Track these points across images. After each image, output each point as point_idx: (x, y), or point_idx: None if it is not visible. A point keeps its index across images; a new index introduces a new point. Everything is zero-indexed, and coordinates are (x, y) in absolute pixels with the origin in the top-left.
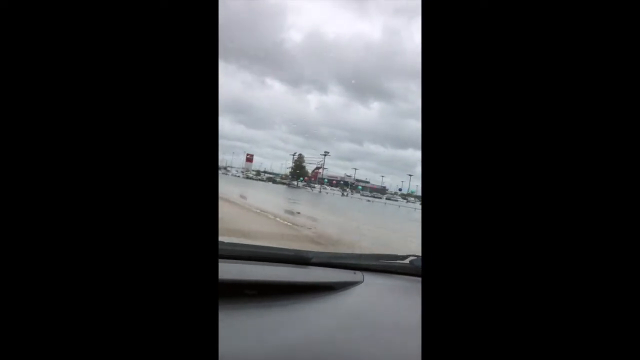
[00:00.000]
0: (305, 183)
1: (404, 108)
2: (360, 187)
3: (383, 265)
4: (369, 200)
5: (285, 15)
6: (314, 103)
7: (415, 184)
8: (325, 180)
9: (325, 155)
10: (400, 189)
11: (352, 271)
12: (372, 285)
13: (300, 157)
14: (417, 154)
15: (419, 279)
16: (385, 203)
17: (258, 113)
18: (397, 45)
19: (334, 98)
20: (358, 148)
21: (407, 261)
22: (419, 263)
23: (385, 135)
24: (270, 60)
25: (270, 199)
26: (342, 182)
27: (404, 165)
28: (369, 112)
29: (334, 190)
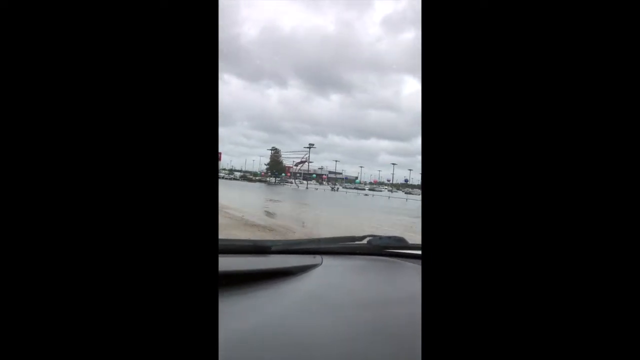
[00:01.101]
0: (281, 180)
1: (363, 98)
2: (357, 180)
3: (341, 247)
4: (366, 195)
5: (239, 9)
6: (274, 97)
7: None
8: (314, 175)
9: (310, 147)
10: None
11: (311, 256)
12: (331, 267)
13: (277, 152)
14: (379, 144)
15: (377, 257)
16: (389, 197)
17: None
18: (352, 37)
19: (295, 92)
20: (322, 140)
21: (365, 241)
22: (377, 242)
23: (347, 126)
24: (227, 55)
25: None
26: (335, 177)
27: (368, 155)
28: (330, 104)
29: (311, 184)
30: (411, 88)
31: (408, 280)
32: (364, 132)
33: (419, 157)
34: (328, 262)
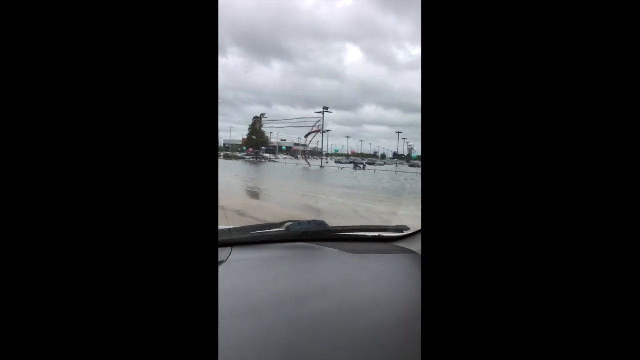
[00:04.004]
0: (256, 156)
1: (306, 67)
2: (414, 155)
3: (255, 237)
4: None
5: None
6: None
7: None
8: (336, 149)
9: (324, 112)
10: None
11: (220, 249)
12: (237, 262)
13: (258, 121)
14: (327, 113)
15: (297, 244)
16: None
17: None
18: (289, 3)
19: (234, 60)
20: (268, 110)
21: (283, 228)
22: (296, 228)
23: (292, 95)
24: None
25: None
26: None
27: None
28: (272, 73)
29: (286, 160)
30: (353, 57)
31: (325, 268)
32: (311, 102)
33: (366, 127)
34: (237, 256)
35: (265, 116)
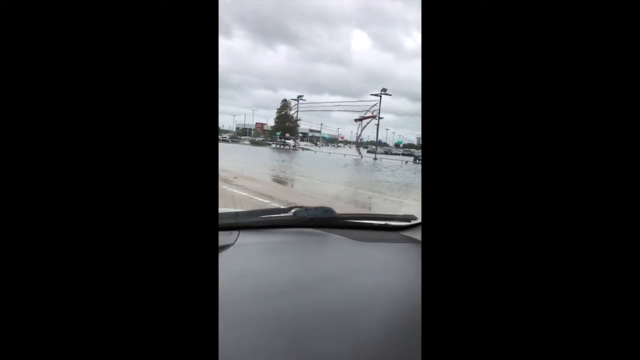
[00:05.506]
0: (280, 142)
1: (312, 51)
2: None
3: (262, 221)
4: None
5: None
6: (220, 49)
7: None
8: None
9: (382, 94)
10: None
11: (228, 233)
12: (244, 246)
13: (287, 105)
14: (333, 99)
15: (304, 230)
16: None
17: None
18: None
19: (240, 42)
20: (273, 95)
21: (291, 213)
22: (303, 214)
23: (298, 80)
24: None
25: None
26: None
27: (324, 111)
28: (278, 57)
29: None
30: (360, 43)
31: (331, 255)
32: (317, 87)
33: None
34: (244, 239)
35: (303, 98)
